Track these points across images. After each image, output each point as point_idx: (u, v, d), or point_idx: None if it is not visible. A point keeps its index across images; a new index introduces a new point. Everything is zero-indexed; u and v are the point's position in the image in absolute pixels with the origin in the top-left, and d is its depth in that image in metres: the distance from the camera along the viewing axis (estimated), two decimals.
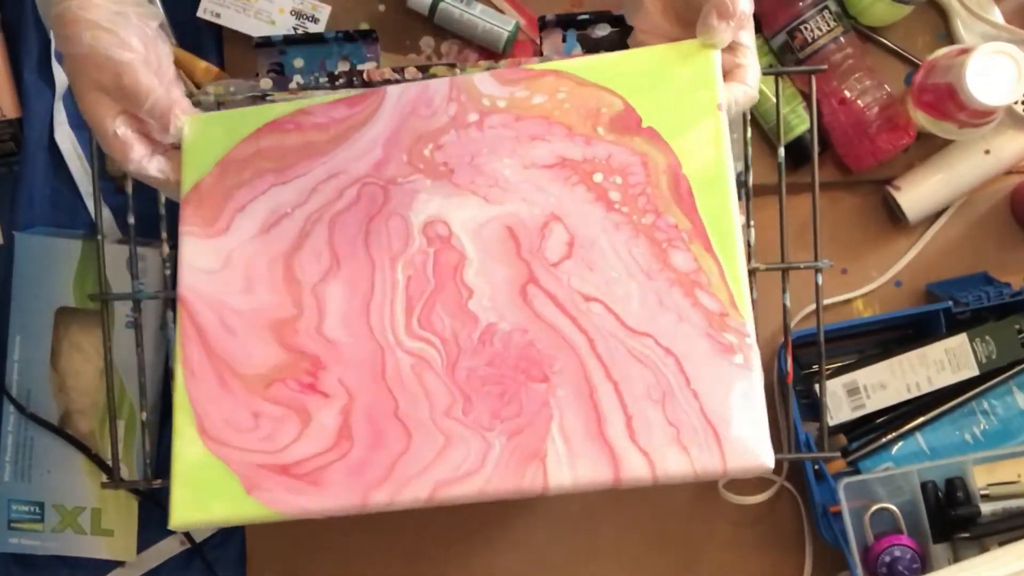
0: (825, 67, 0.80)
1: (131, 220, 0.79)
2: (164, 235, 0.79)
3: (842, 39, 0.87)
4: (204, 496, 0.64)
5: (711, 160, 0.63)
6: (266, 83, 0.77)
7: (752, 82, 0.65)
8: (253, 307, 0.67)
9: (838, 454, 0.83)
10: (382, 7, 0.93)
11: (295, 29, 0.91)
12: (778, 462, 0.90)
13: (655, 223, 0.63)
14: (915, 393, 0.87)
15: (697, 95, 0.64)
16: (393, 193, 0.67)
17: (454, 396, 0.63)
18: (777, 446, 0.85)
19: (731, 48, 0.65)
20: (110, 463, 0.82)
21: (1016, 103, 0.87)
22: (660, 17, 0.67)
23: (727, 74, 0.65)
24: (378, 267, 0.66)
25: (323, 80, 0.77)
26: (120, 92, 0.66)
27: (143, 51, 0.66)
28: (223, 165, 0.70)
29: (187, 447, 0.65)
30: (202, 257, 0.69)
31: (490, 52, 0.91)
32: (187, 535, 0.94)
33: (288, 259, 0.68)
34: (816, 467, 0.88)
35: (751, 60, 0.65)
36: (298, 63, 0.86)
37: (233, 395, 0.66)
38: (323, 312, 0.66)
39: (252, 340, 0.67)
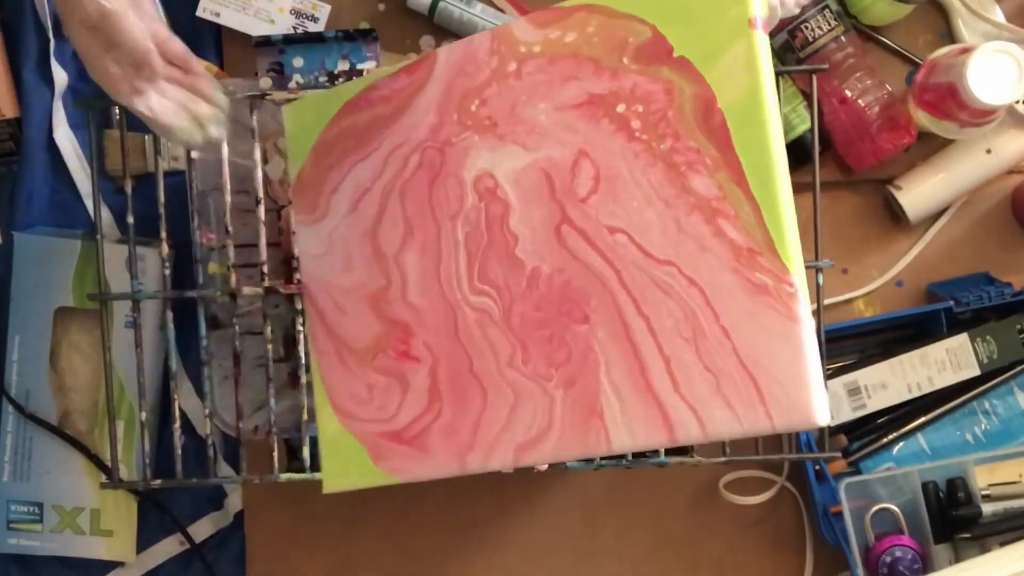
0: (826, 66, 0.80)
1: (130, 220, 0.79)
2: (164, 235, 0.79)
3: (843, 38, 0.87)
4: (344, 466, 0.72)
5: (745, 90, 0.57)
6: (266, 82, 0.77)
7: None
8: (354, 283, 0.72)
9: (839, 454, 0.83)
10: (382, 6, 0.93)
11: (295, 28, 0.90)
12: (779, 462, 0.90)
13: (673, 147, 0.61)
14: (916, 393, 0.87)
15: (728, 13, 0.58)
16: (448, 154, 0.69)
17: (513, 345, 0.65)
18: (778, 446, 0.85)
19: None
20: (109, 463, 0.82)
21: (1017, 102, 0.87)
22: None
23: None
24: (442, 229, 0.68)
25: (323, 80, 0.77)
26: (106, 35, 0.65)
27: (139, 8, 0.65)
28: (315, 150, 0.74)
29: (327, 423, 0.72)
30: (312, 243, 0.74)
31: None
32: (186, 536, 0.94)
33: (373, 232, 0.71)
34: (817, 467, 0.88)
35: None
36: (298, 62, 0.86)
37: (351, 370, 0.72)
38: (405, 280, 0.70)
39: (357, 316, 0.71)
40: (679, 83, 0.60)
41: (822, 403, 0.56)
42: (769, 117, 0.57)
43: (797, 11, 0.72)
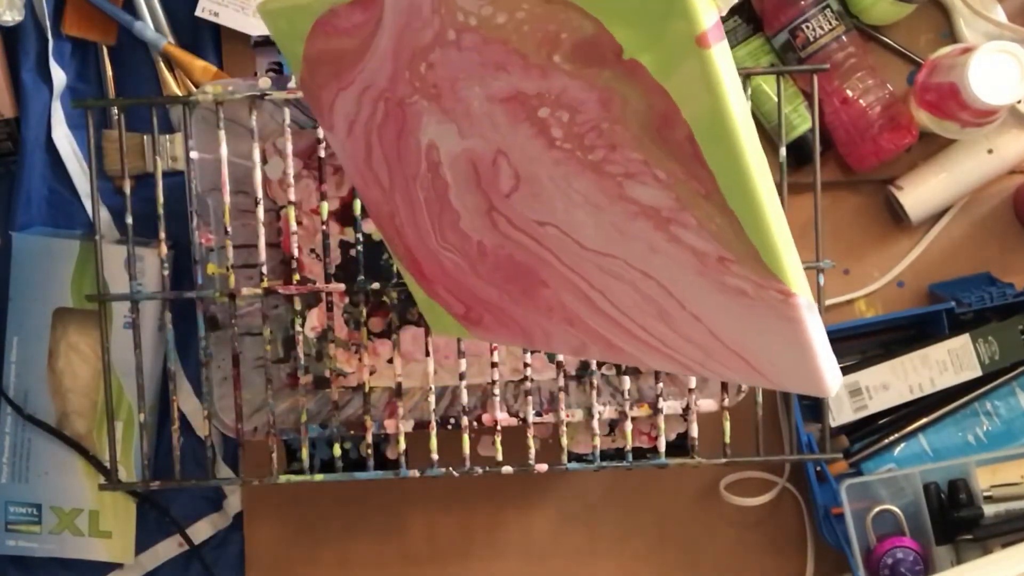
0: (827, 66, 0.80)
1: (129, 220, 0.79)
2: (162, 235, 0.79)
3: (844, 38, 0.87)
4: (439, 319, 0.73)
5: (709, 107, 0.48)
6: (265, 82, 0.77)
7: None
8: (373, 199, 0.71)
9: (840, 455, 0.82)
10: None
11: None
12: (780, 463, 0.90)
13: (606, 157, 0.53)
14: (918, 394, 0.86)
15: (673, 26, 0.46)
16: (407, 112, 0.66)
17: (500, 289, 0.65)
18: (779, 448, 0.85)
19: None
20: (108, 464, 0.82)
21: (1019, 102, 0.87)
22: None
23: None
24: (409, 185, 0.68)
25: None
26: None
27: None
28: (306, 62, 0.70)
29: (417, 291, 0.73)
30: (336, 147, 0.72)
31: None
32: (185, 537, 0.93)
33: (368, 163, 0.70)
34: (818, 468, 0.87)
35: None
36: None
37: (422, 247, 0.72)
38: (401, 217, 0.70)
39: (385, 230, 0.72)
40: (622, 91, 0.50)
41: (833, 375, 0.52)
42: (739, 134, 0.48)
43: None
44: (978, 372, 0.86)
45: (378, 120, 0.67)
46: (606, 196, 0.54)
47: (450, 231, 0.66)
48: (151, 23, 0.92)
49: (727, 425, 0.76)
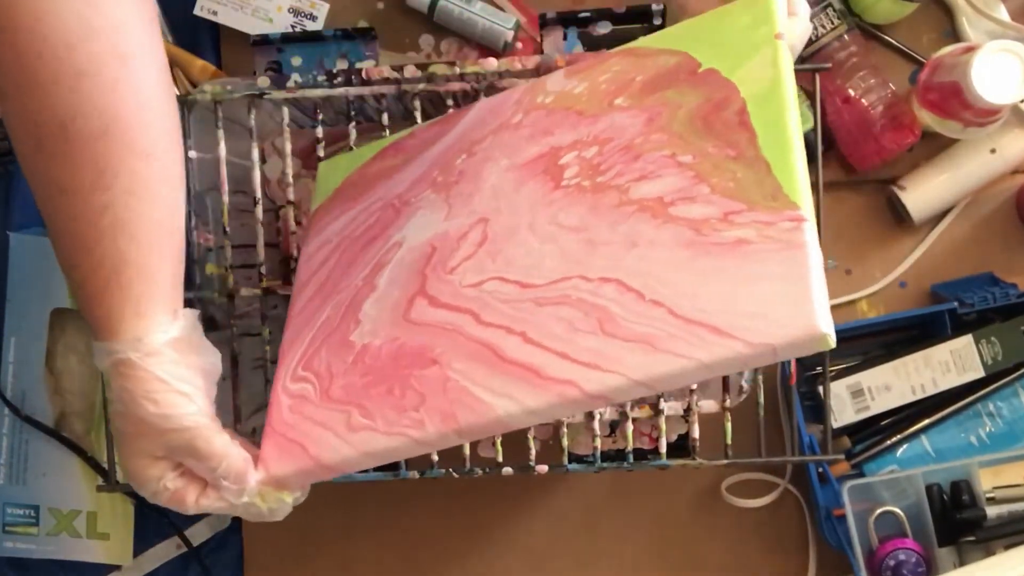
0: (829, 65, 0.79)
1: None
2: None
3: (846, 37, 0.87)
4: None
5: (769, 81, 0.60)
6: (264, 81, 0.77)
7: (803, 12, 0.65)
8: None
9: (842, 457, 0.82)
10: (381, 5, 0.92)
11: (293, 27, 0.90)
12: (781, 465, 0.90)
13: (620, 172, 0.61)
14: (920, 395, 0.86)
15: (757, 31, 0.62)
16: (400, 212, 0.67)
17: (346, 409, 0.62)
18: (780, 448, 0.85)
19: None
20: (106, 466, 0.81)
21: (1022, 102, 0.86)
22: None
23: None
24: (326, 300, 0.67)
25: (321, 79, 0.76)
26: (188, 455, 0.60)
27: (209, 406, 0.61)
28: (336, 191, 0.74)
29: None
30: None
31: (490, 50, 0.90)
32: (183, 539, 0.93)
33: (316, 276, 0.71)
34: (820, 470, 0.87)
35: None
36: (296, 61, 0.86)
37: None
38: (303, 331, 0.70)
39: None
40: (677, 100, 0.61)
41: (825, 314, 0.52)
42: (791, 91, 0.60)
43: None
44: (981, 373, 0.86)
45: (358, 232, 0.69)
46: (596, 213, 0.60)
47: (326, 349, 0.65)
48: None
49: (728, 426, 0.75)
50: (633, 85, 0.64)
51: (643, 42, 0.66)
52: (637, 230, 0.59)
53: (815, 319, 0.51)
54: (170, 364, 0.59)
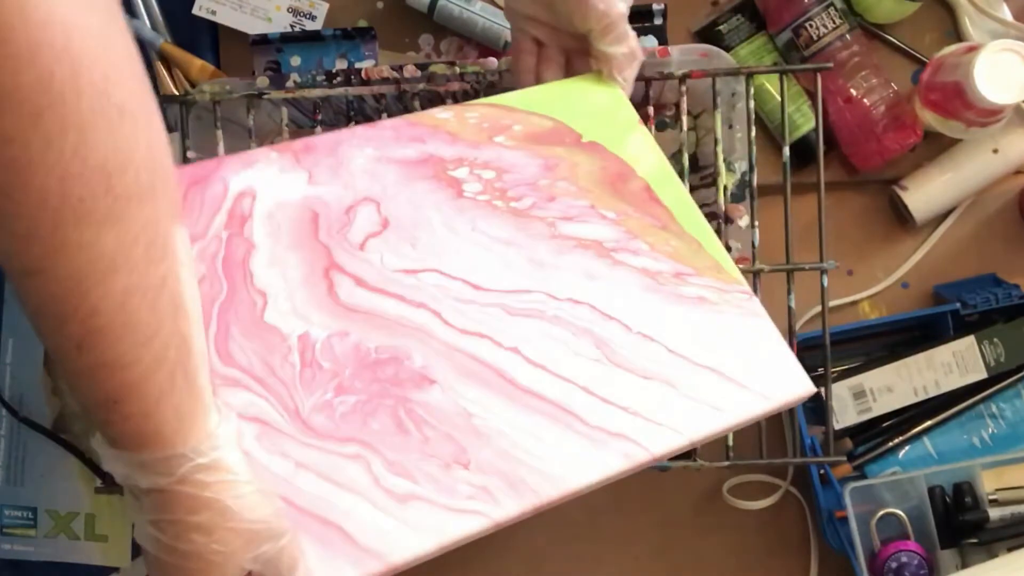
0: (831, 65, 0.79)
1: None
2: None
3: (848, 36, 0.87)
4: None
5: (655, 163, 0.66)
6: (263, 81, 0.76)
7: (628, 76, 0.68)
8: None
9: (844, 458, 0.82)
10: (380, 4, 0.92)
11: (292, 27, 0.90)
12: (783, 467, 0.89)
13: (536, 205, 0.62)
14: (922, 396, 0.86)
15: (619, 113, 0.67)
16: (232, 163, 0.59)
17: (356, 453, 0.51)
18: (782, 450, 0.85)
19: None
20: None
21: None
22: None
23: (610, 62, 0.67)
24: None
25: (320, 79, 0.76)
26: (274, 567, 0.49)
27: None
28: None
29: None
30: None
31: (490, 49, 0.90)
32: None
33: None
34: (822, 472, 0.87)
35: (622, 47, 0.67)
36: (295, 61, 0.86)
37: None
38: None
39: None
40: (573, 160, 0.64)
41: (802, 377, 0.60)
42: (677, 181, 0.66)
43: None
44: (983, 374, 0.85)
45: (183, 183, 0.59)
46: (528, 235, 0.61)
47: (239, 329, 0.52)
48: (148, 21, 0.92)
49: None
50: (512, 131, 0.65)
51: (505, 100, 0.66)
52: (588, 265, 0.61)
53: (807, 382, 0.60)
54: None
